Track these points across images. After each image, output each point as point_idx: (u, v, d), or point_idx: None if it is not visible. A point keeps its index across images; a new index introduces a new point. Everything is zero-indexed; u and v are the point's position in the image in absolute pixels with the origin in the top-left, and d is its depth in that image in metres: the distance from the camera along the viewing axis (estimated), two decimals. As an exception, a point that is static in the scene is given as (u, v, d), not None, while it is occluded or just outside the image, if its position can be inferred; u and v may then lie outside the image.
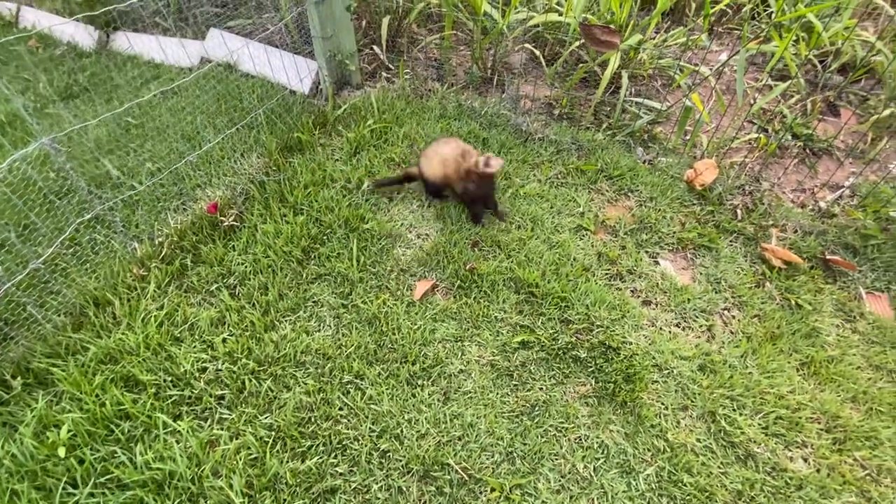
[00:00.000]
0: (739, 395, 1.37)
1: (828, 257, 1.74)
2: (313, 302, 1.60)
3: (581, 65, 2.61)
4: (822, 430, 1.33)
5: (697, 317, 1.58)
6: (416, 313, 1.58)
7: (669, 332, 1.53)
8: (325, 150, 2.10)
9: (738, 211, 1.93)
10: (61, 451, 1.09)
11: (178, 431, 1.20)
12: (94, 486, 1.05)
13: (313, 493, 1.14)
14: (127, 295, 1.49)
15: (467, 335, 1.53)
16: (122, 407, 1.21)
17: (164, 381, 1.32)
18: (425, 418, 1.33)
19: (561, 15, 2.41)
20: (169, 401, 1.27)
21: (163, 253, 1.61)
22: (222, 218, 1.73)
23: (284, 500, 1.10)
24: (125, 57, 3.00)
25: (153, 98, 2.36)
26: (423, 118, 2.26)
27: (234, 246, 1.70)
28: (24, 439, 1.08)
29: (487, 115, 2.32)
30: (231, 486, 1.09)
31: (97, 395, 1.23)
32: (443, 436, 1.31)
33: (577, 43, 2.46)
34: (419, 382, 1.41)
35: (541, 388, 1.41)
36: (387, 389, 1.39)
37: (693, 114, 2.26)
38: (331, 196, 1.87)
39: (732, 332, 1.56)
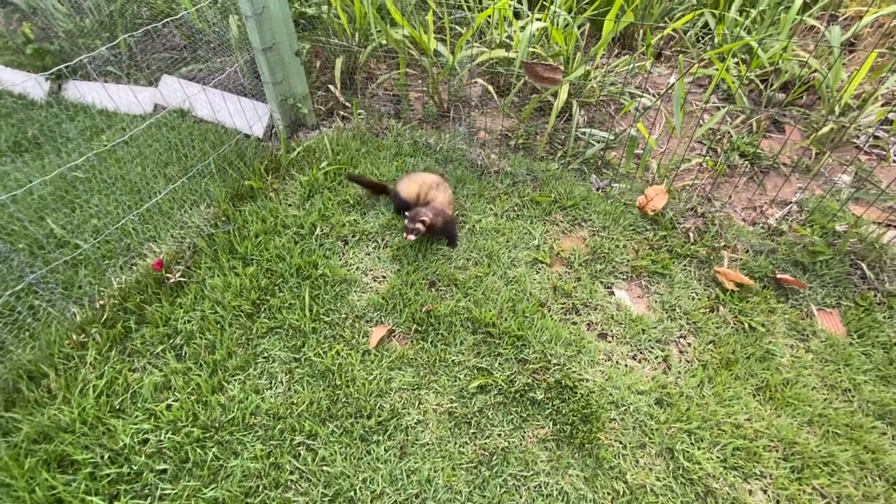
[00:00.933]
0: (697, 429, 1.36)
1: (779, 276, 1.77)
2: (264, 358, 1.55)
3: (534, 95, 2.66)
4: (780, 458, 1.32)
5: (653, 347, 1.58)
6: (372, 362, 1.54)
7: (626, 365, 1.52)
8: (277, 195, 2.08)
9: (691, 234, 1.96)
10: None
11: (110, 519, 1.12)
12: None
13: (257, 574, 1.08)
14: (64, 365, 1.42)
15: (424, 382, 1.50)
16: (53, 491, 1.14)
17: (102, 457, 1.25)
18: (381, 476, 1.29)
19: (509, 50, 2.46)
20: (105, 480, 1.20)
21: (104, 316, 1.55)
22: (168, 275, 1.68)
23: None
24: (77, 107, 2.95)
25: (102, 150, 2.31)
26: (378, 157, 2.26)
27: (180, 304, 1.64)
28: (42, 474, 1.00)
29: (443, 150, 2.34)
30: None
31: (27, 481, 1.15)
32: (399, 494, 1.26)
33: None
34: (374, 438, 1.37)
35: (499, 435, 1.37)
36: (340, 448, 1.34)
37: (638, 141, 2.31)
38: (282, 244, 1.84)
39: (688, 361, 1.56)
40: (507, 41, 2.67)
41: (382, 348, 1.59)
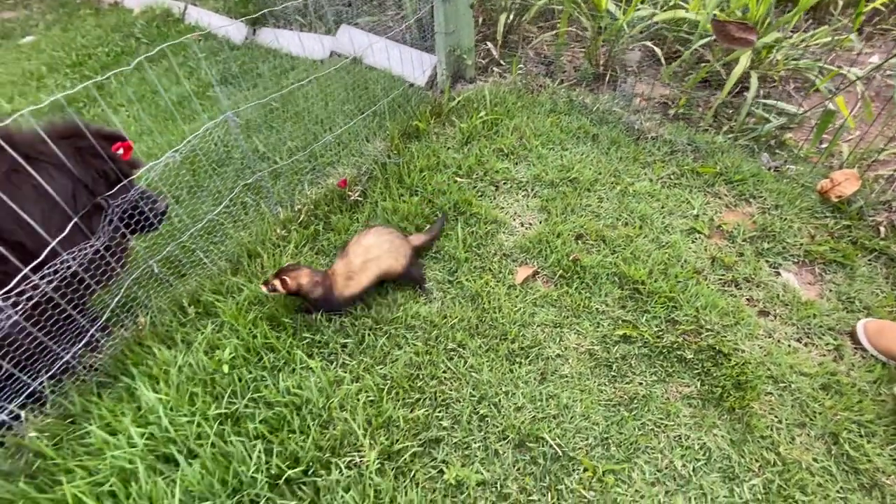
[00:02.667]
0: (869, 422, 1.26)
1: None
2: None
3: (703, 64, 2.49)
4: (973, 475, 1.18)
5: (823, 334, 1.47)
6: (517, 296, 1.65)
7: (789, 345, 1.44)
8: (438, 138, 2.24)
9: (882, 228, 1.74)
10: (225, 368, 1.32)
11: (311, 368, 1.38)
12: (250, 400, 1.26)
13: (420, 439, 1.26)
14: (272, 250, 1.73)
15: (566, 322, 1.57)
16: (268, 340, 1.43)
17: (300, 324, 1.53)
18: (522, 393, 1.40)
19: (687, 11, 2.32)
20: (304, 342, 1.47)
21: (301, 218, 1.85)
22: (349, 192, 1.94)
23: (397, 440, 1.24)
24: (267, 50, 3.42)
25: (293, 85, 2.67)
26: (534, 112, 2.32)
27: (357, 218, 1.89)
28: (198, 354, 1.33)
29: (599, 111, 2.31)
30: (354, 420, 1.25)
31: (249, 329, 1.46)
32: (538, 412, 1.36)
33: (702, 41, 2.35)
34: (517, 360, 1.48)
35: (640, 383, 1.41)
36: (486, 361, 1.47)
37: (834, 120, 2.06)
38: (443, 180, 2.00)
39: (864, 357, 1.42)
40: (683, 3, 2.51)
41: (527, 286, 1.69)
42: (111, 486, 1.04)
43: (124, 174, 1.27)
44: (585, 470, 1.25)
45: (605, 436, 1.31)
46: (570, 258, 1.71)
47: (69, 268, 1.11)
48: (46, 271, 1.07)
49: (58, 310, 1.13)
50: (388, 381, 1.39)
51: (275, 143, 2.36)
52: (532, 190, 2.00)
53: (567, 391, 1.41)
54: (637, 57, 2.76)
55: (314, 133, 2.36)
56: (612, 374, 1.44)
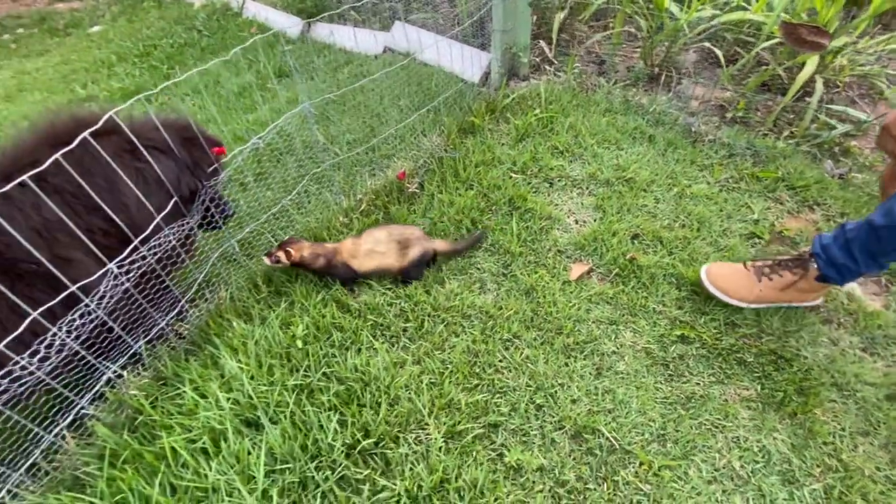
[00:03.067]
0: (940, 437, 1.24)
1: None
2: (477, 268, 1.79)
3: (764, 68, 2.45)
4: None
5: (889, 345, 1.44)
6: (572, 292, 1.68)
7: (854, 354, 1.42)
8: (493, 134, 2.29)
9: (957, 241, 1.68)
10: (299, 343, 1.40)
11: (375, 349, 1.46)
12: (322, 375, 1.34)
13: (481, 423, 1.31)
14: (336, 236, 1.81)
15: (622, 320, 1.59)
16: (335, 320, 1.51)
17: (364, 307, 1.60)
18: (577, 387, 1.43)
19: (752, 13, 2.28)
20: (368, 323, 1.55)
21: (362, 207, 1.93)
22: (407, 185, 2.00)
23: (458, 421, 1.29)
24: (322, 44, 3.53)
25: (352, 80, 2.76)
26: (589, 111, 2.33)
27: (415, 209, 1.95)
28: (273, 328, 1.42)
29: (655, 112, 2.31)
30: (419, 398, 1.31)
31: (318, 309, 1.54)
32: (594, 405, 1.39)
33: (765, 43, 2.31)
34: (572, 354, 1.51)
35: (698, 383, 1.42)
36: (542, 354, 1.51)
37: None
38: (498, 175, 2.04)
39: (934, 371, 1.39)
40: (744, 3, 2.46)
41: (581, 283, 1.71)
42: (203, 443, 1.14)
43: (215, 171, 1.37)
44: (641, 464, 1.27)
45: (662, 432, 1.33)
46: (627, 257, 1.73)
47: (171, 242, 1.21)
48: (153, 244, 1.17)
49: (158, 280, 1.23)
50: (448, 366, 1.45)
51: (334, 135, 2.45)
52: (587, 188, 2.02)
53: (623, 387, 1.43)
54: (694, 58, 2.73)
55: (371, 126, 2.43)
56: (669, 372, 1.45)
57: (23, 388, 0.96)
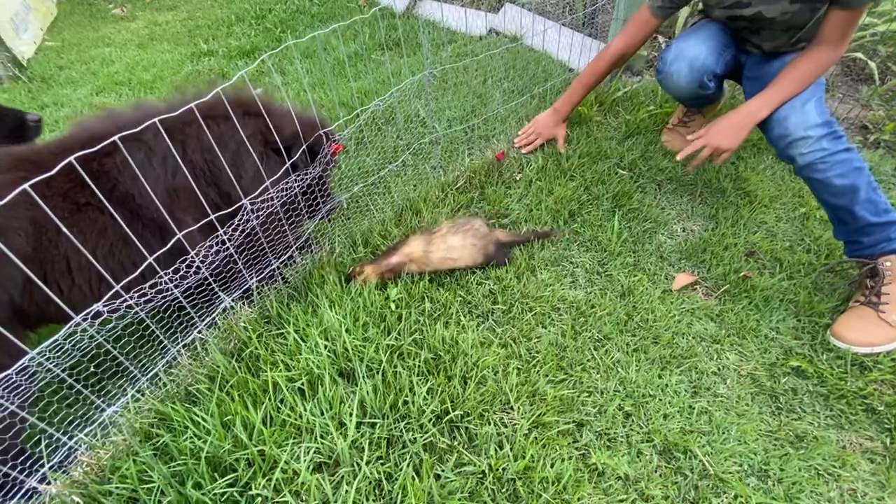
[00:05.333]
0: None
1: None
2: (571, 262, 1.72)
3: (927, 87, 2.14)
4: None
5: None
6: (672, 302, 1.57)
7: None
8: (600, 127, 2.18)
9: None
10: (392, 306, 1.42)
11: (463, 325, 1.44)
12: (413, 340, 1.35)
13: (566, 419, 1.27)
14: (432, 209, 1.82)
15: (727, 340, 1.47)
16: (427, 291, 1.52)
17: (455, 283, 1.59)
18: (670, 401, 1.34)
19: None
20: (457, 298, 1.54)
21: (459, 184, 1.91)
22: (505, 170, 1.96)
23: (543, 413, 1.25)
24: (426, 21, 3.54)
25: (455, 59, 2.75)
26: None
27: (511, 193, 1.91)
28: (371, 292, 1.44)
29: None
30: (506, 381, 1.29)
31: (412, 276, 1.55)
32: (687, 423, 1.30)
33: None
34: (668, 367, 1.42)
35: (811, 423, 1.28)
36: (634, 361, 1.43)
37: None
38: (603, 170, 1.95)
39: None
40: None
41: (684, 294, 1.60)
42: (301, 384, 1.18)
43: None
44: (738, 496, 1.17)
45: (764, 467, 1.21)
46: (740, 275, 1.59)
47: (293, 190, 1.26)
48: (282, 186, 1.22)
49: (279, 223, 1.29)
50: (535, 356, 1.41)
51: (434, 110, 2.45)
52: (699, 194, 1.88)
53: (722, 411, 1.32)
54: (835, 70, 2.44)
55: (471, 106, 2.41)
56: (778, 405, 1.32)
57: (161, 302, 1.04)
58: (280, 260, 1.41)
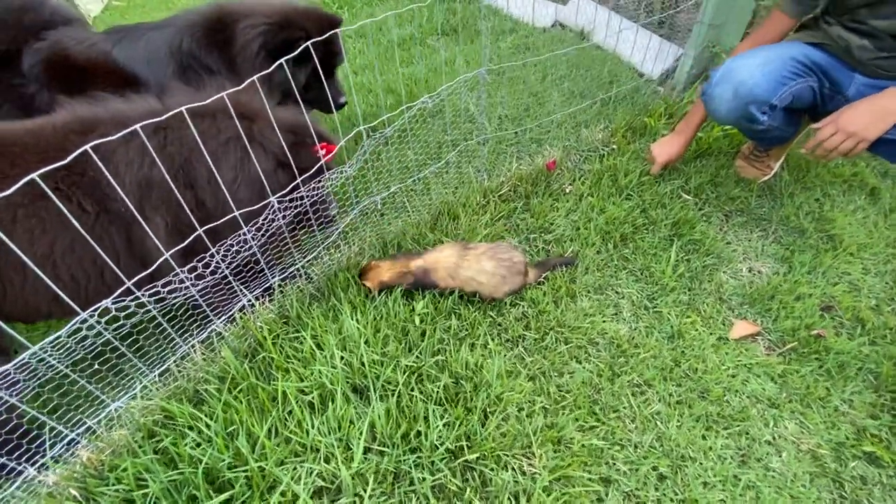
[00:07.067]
0: None
1: None
2: (616, 291, 1.57)
3: None
4: None
5: None
6: (727, 352, 1.40)
7: None
8: (666, 142, 1.98)
9: None
10: (416, 320, 1.33)
11: (490, 349, 1.33)
12: (434, 362, 1.25)
13: (592, 474, 1.14)
14: (469, 213, 1.70)
15: (788, 407, 1.29)
16: (455, 306, 1.41)
17: (485, 302, 1.48)
18: (713, 469, 1.19)
19: None
20: (487, 318, 1.43)
21: (502, 191, 1.78)
22: (556, 181, 1.81)
23: (568, 464, 1.13)
24: (489, 8, 3.36)
25: (515, 51, 2.58)
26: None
27: (558, 207, 1.76)
28: (396, 300, 1.35)
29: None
30: (530, 421, 1.18)
31: (442, 294, 1.44)
32: (730, 498, 1.15)
33: None
34: (714, 427, 1.26)
35: (881, 521, 1.10)
36: (676, 414, 1.28)
37: None
38: (664, 192, 1.77)
39: None
40: None
41: (742, 345, 1.42)
42: (312, 398, 1.11)
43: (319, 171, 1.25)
44: None
45: (818, 565, 1.05)
46: (812, 332, 1.39)
47: (317, 192, 1.17)
48: (313, 186, 1.14)
49: (307, 222, 1.21)
50: (565, 395, 1.28)
51: (486, 107, 2.31)
52: (773, 231, 1.66)
53: (773, 489, 1.16)
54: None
55: (526, 105, 2.25)
56: (842, 494, 1.15)
57: (175, 300, 0.99)
58: (306, 259, 1.33)
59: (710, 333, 1.44)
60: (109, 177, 0.79)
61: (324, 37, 1.17)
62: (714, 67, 1.64)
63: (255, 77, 0.90)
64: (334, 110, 1.50)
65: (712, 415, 1.28)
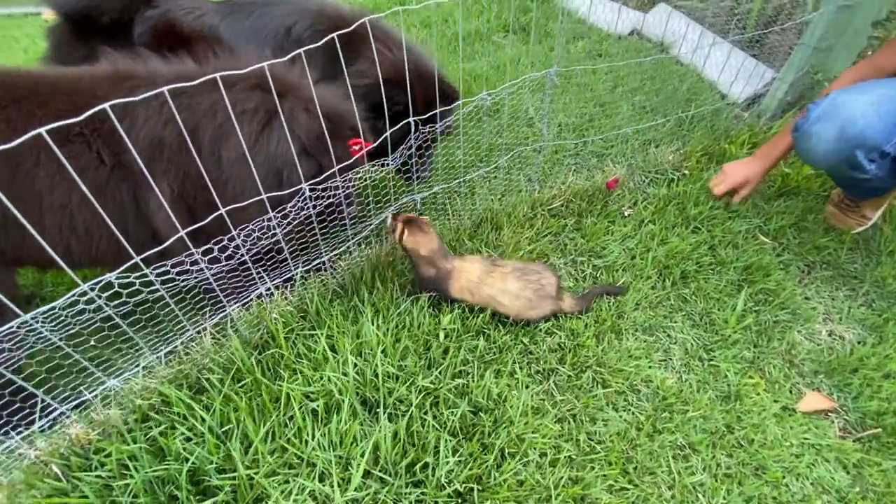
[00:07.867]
0: None
1: None
2: (668, 335, 1.39)
3: None
4: None
5: None
6: (792, 427, 1.20)
7: None
8: (745, 174, 1.76)
9: None
10: (441, 335, 1.21)
11: (517, 379, 1.20)
12: (453, 386, 1.13)
13: (618, 548, 0.99)
14: (514, 228, 1.56)
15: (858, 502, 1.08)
16: (485, 328, 1.29)
17: (519, 326, 1.34)
18: (762, 563, 1.01)
19: None
20: (518, 345, 1.29)
21: (553, 205, 1.63)
22: (618, 204, 1.64)
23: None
24: (561, 9, 3.18)
25: (586, 56, 2.41)
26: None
27: (613, 231, 1.60)
28: (422, 311, 1.24)
29: None
30: (552, 473, 1.03)
31: (472, 310, 1.32)
32: None
33: None
34: (768, 512, 1.08)
35: None
36: (724, 491, 1.10)
37: None
38: (738, 230, 1.56)
39: None
40: None
41: (812, 421, 1.22)
42: (317, 405, 1.02)
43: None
44: None
45: None
46: (904, 420, 1.17)
47: (368, 176, 1.07)
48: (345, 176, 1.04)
49: (339, 213, 1.12)
50: (596, 447, 1.13)
51: (548, 110, 2.15)
52: (863, 293, 1.43)
53: None
54: None
55: (591, 115, 2.08)
56: None
57: (185, 282, 0.92)
58: (333, 252, 1.24)
59: (775, 401, 1.25)
60: (121, 130, 0.73)
61: (425, 116, 1.18)
62: (814, 100, 1.43)
63: (300, 51, 0.81)
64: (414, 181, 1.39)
65: (766, 498, 1.10)
